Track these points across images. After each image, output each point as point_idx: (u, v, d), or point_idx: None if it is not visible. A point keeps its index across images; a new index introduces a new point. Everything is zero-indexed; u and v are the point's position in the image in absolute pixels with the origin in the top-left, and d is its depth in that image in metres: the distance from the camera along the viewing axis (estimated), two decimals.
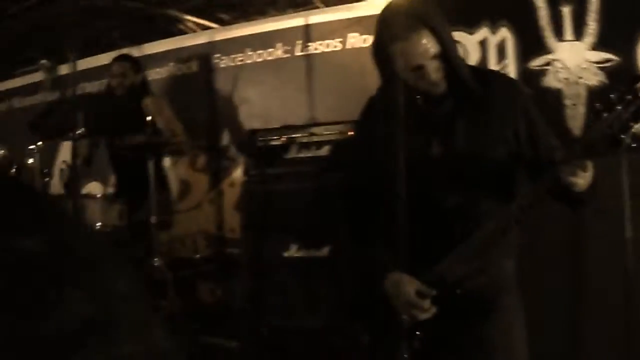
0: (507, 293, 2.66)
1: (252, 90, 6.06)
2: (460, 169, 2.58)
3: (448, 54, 2.52)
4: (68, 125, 4.82)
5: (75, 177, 4.87)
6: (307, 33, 5.70)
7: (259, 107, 5.95)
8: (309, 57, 5.66)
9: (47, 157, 5.81)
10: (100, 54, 6.28)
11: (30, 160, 4.70)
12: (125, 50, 5.94)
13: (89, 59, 6.34)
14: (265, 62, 5.99)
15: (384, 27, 2.58)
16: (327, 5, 5.76)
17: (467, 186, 2.59)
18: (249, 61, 6.07)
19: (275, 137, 4.92)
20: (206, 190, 6.25)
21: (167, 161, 6.09)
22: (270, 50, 5.94)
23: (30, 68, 5.24)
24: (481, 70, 2.98)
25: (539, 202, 2.43)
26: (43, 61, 6.06)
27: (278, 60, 5.91)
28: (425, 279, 2.55)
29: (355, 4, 5.46)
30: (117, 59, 5.56)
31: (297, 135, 4.85)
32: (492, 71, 3.36)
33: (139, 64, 5.62)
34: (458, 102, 2.61)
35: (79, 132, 4.83)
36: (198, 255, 6.18)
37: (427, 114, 2.65)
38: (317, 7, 5.78)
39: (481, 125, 2.58)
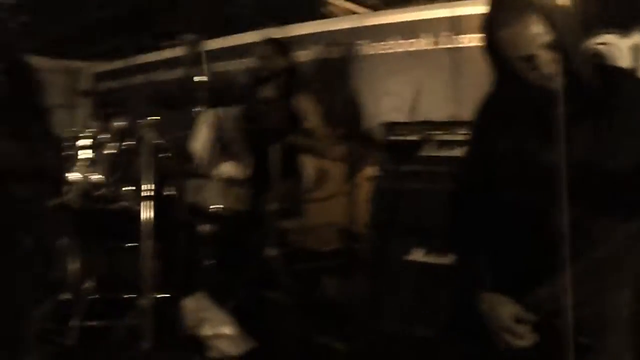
0: (613, 332, 2.46)
1: (394, 81, 6.01)
2: (577, 180, 2.31)
3: (563, 45, 2.34)
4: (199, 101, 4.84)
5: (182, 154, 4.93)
6: (454, 25, 5.58)
7: (400, 99, 5.87)
8: (454, 50, 5.54)
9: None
10: (244, 32, 6.36)
11: (150, 135, 4.79)
12: (271, 31, 6.01)
13: (233, 36, 6.47)
14: (409, 53, 5.93)
15: (493, 10, 2.46)
16: None
17: (583, 200, 2.35)
18: (392, 50, 6.03)
19: (411, 133, 4.86)
20: (342, 181, 6.22)
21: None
22: (414, 40, 5.88)
23: (174, 42, 5.44)
24: (611, 68, 2.67)
25: None
26: (186, 35, 6.26)
27: (422, 52, 5.83)
28: (526, 303, 2.43)
29: None
30: (263, 41, 5.65)
31: (435, 132, 4.76)
32: (624, 70, 2.99)
33: (285, 47, 5.67)
34: (578, 103, 2.38)
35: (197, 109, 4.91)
36: (326, 248, 6.18)
37: (543, 115, 2.40)
38: None
39: (604, 131, 2.39)
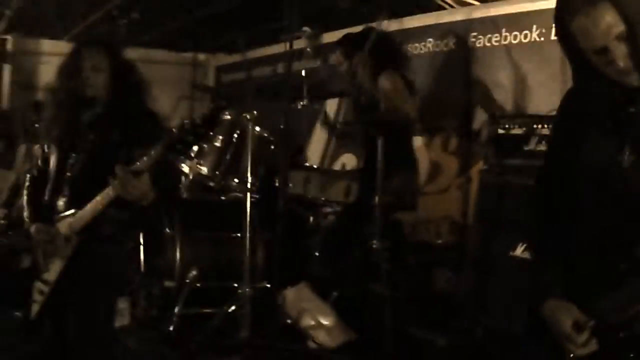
0: None
1: (506, 74, 6.05)
2: None
3: (636, 37, 2.23)
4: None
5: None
6: None
7: (510, 91, 5.94)
8: None
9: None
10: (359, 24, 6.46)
11: (257, 128, 4.97)
12: (383, 24, 6.08)
13: (347, 29, 6.59)
14: (521, 45, 5.94)
15: (561, 4, 2.39)
16: None
17: None
18: (504, 42, 6.07)
19: (517, 126, 4.86)
20: (456, 174, 6.29)
21: (418, 141, 6.21)
22: (525, 32, 5.88)
23: (294, 34, 5.60)
24: None
25: None
26: (305, 29, 6.42)
27: (533, 43, 5.82)
28: (590, 312, 2.35)
29: None
30: (336, 44, 5.88)
31: (541, 125, 4.73)
32: None
33: (352, 51, 5.65)
34: None
35: (302, 103, 5.04)
36: (440, 241, 6.25)
37: (622, 113, 2.38)
38: None
39: None
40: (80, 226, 3.65)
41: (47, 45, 10.16)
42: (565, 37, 2.36)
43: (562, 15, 2.35)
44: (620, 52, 2.23)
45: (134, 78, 3.95)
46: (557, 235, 2.60)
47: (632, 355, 2.31)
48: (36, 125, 7.12)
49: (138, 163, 3.46)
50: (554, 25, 2.44)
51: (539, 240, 2.72)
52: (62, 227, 3.84)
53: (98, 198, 3.65)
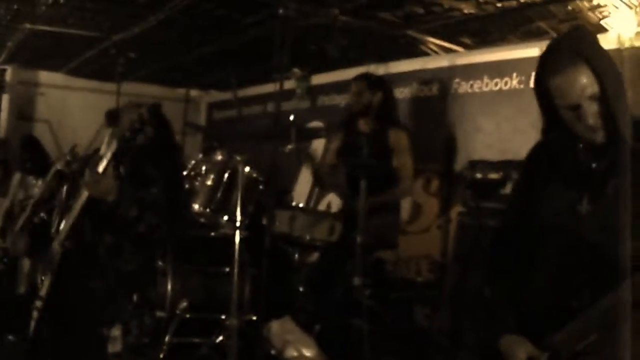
0: None
1: (486, 119, 6.42)
2: (604, 232, 2.52)
3: (607, 98, 2.49)
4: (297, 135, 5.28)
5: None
6: None
7: (491, 136, 6.31)
8: None
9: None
10: (348, 68, 6.79)
11: (247, 169, 5.25)
12: (371, 68, 6.42)
13: (335, 72, 6.93)
14: (501, 91, 6.32)
15: (544, 59, 2.64)
16: None
17: (604, 252, 2.52)
18: (485, 89, 6.45)
19: (494, 171, 5.18)
20: (436, 215, 6.60)
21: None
22: (506, 79, 6.26)
23: (284, 75, 5.91)
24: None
25: None
26: (295, 70, 6.76)
27: (513, 91, 6.20)
28: (543, 347, 2.55)
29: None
30: (355, 78, 6.06)
31: (516, 171, 4.95)
32: None
33: (376, 83, 5.98)
34: (616, 157, 2.54)
35: (289, 146, 5.31)
36: (420, 279, 6.55)
37: (584, 166, 2.65)
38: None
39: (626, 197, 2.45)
40: (65, 235, 4.19)
41: (44, 77, 10.49)
42: (543, 92, 2.60)
43: (542, 72, 2.60)
44: (592, 111, 2.49)
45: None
46: (514, 274, 2.83)
47: None
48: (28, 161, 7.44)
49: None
50: (533, 80, 2.68)
51: (498, 279, 2.92)
52: (55, 244, 4.38)
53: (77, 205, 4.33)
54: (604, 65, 2.57)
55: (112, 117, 5.03)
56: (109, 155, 4.51)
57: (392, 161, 5.86)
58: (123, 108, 5.05)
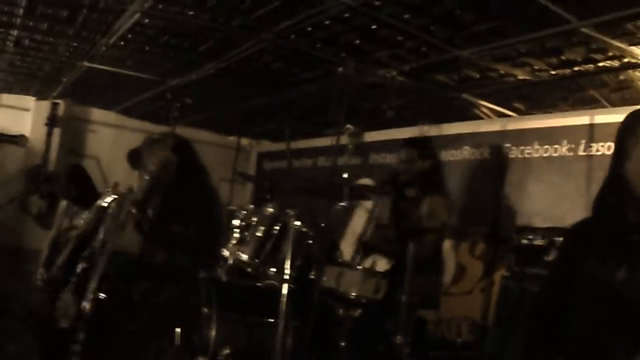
0: None
1: (534, 185, 6.57)
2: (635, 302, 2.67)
3: None
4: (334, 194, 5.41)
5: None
6: (591, 133, 6.06)
7: (538, 202, 6.45)
8: (591, 158, 5.98)
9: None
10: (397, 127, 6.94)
11: (297, 223, 5.42)
12: (424, 129, 6.57)
13: (389, 130, 7.10)
14: (550, 158, 6.47)
15: (628, 120, 2.86)
16: (612, 106, 6.13)
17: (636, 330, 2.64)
18: (535, 155, 6.60)
19: (539, 237, 5.31)
20: (480, 277, 6.71)
21: (447, 243, 6.54)
22: (555, 146, 6.41)
23: (336, 130, 6.07)
24: None
25: None
26: (348, 126, 6.92)
27: (562, 158, 6.35)
28: None
29: None
30: (406, 144, 6.19)
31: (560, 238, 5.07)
32: None
33: (428, 150, 6.12)
34: None
35: (342, 202, 5.43)
36: (460, 340, 6.65)
37: (624, 240, 2.74)
38: (604, 107, 6.16)
39: None
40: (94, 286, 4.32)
41: (97, 114, 10.82)
42: (624, 140, 2.78)
43: (633, 120, 2.82)
44: None
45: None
46: (549, 340, 2.97)
47: None
48: (73, 190, 7.64)
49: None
50: (622, 125, 2.84)
51: (536, 345, 3.05)
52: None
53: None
54: None
55: (135, 158, 5.05)
56: (129, 205, 4.56)
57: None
58: (143, 146, 5.07)
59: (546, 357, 2.98)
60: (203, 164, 5.10)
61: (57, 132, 10.42)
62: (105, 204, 5.03)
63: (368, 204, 6.14)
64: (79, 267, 5.02)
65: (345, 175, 5.31)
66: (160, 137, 4.97)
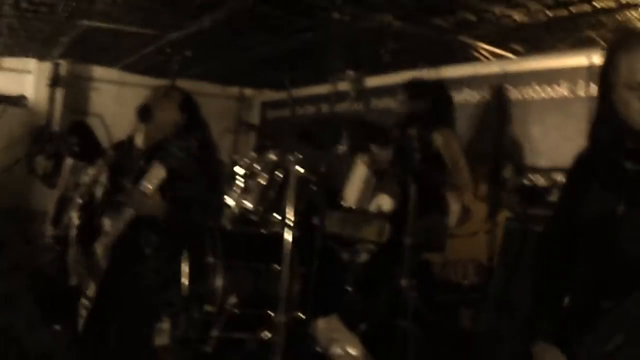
0: None
1: (534, 126, 6.56)
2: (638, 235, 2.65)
3: None
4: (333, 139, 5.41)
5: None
6: (590, 73, 6.00)
7: (539, 144, 6.45)
8: (590, 99, 5.81)
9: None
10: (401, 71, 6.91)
11: (299, 169, 5.42)
12: (422, 73, 6.52)
13: (389, 75, 7.07)
14: (550, 99, 6.45)
15: (618, 41, 2.85)
16: None
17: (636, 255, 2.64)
18: (534, 96, 6.58)
19: (540, 178, 5.30)
20: (484, 219, 6.70)
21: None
22: (555, 87, 6.39)
23: (339, 76, 6.04)
24: None
25: None
26: (349, 72, 6.90)
27: (561, 99, 6.33)
28: (574, 349, 2.68)
29: None
30: (402, 86, 6.14)
31: (563, 179, 5.07)
32: None
33: (421, 91, 6.05)
34: None
35: (341, 147, 5.42)
36: (466, 282, 6.65)
37: (625, 168, 2.72)
38: (602, 48, 5.96)
39: None
40: (109, 243, 4.34)
41: (99, 72, 10.84)
42: (607, 72, 2.76)
43: (615, 51, 2.75)
44: None
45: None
46: (555, 279, 2.98)
47: None
48: (76, 145, 7.62)
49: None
50: (603, 57, 2.82)
51: (540, 284, 3.06)
52: (98, 246, 4.50)
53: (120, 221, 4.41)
54: None
55: (144, 113, 5.02)
56: (158, 174, 4.56)
57: (440, 163, 5.96)
58: (154, 103, 5.08)
59: (553, 295, 2.97)
60: (205, 120, 5.11)
61: (59, 92, 10.50)
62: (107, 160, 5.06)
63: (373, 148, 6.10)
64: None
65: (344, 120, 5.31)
66: (167, 93, 4.98)
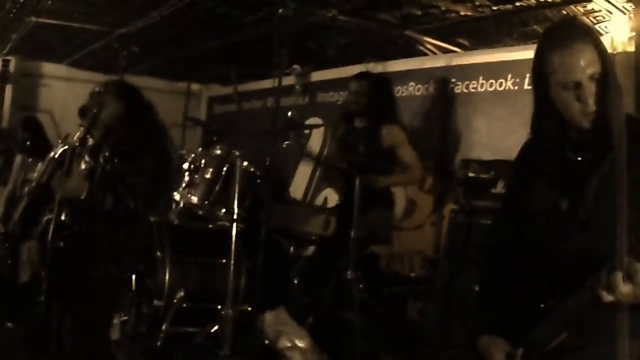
0: None
1: (480, 119, 6.59)
2: (582, 228, 2.62)
3: (607, 82, 2.49)
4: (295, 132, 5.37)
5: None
6: None
7: (484, 136, 6.49)
8: None
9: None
10: (347, 65, 6.92)
11: (245, 163, 5.45)
12: (369, 67, 6.55)
13: (335, 69, 7.09)
14: (495, 92, 6.48)
15: (546, 35, 2.71)
16: None
17: (582, 254, 2.60)
18: (480, 89, 6.61)
19: (485, 170, 5.34)
20: (430, 212, 6.77)
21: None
22: (501, 80, 6.42)
23: (279, 72, 6.03)
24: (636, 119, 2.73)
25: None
26: (295, 67, 6.91)
27: (507, 92, 6.36)
28: (519, 344, 2.66)
29: None
30: (355, 77, 6.13)
31: (507, 171, 5.13)
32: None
33: (375, 82, 6.08)
34: (600, 152, 2.57)
35: (287, 141, 5.42)
36: (413, 274, 6.71)
37: (567, 160, 2.68)
38: None
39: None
40: (52, 233, 4.30)
41: (48, 68, 10.68)
42: (542, 69, 2.60)
43: (545, 47, 2.62)
44: (590, 92, 2.49)
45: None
46: (501, 273, 2.93)
47: None
48: (27, 141, 7.54)
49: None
50: (534, 55, 2.68)
51: (486, 277, 3.04)
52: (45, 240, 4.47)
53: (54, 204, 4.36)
54: (605, 50, 2.58)
55: (85, 114, 4.95)
56: (72, 152, 4.47)
57: (387, 158, 5.99)
58: (90, 100, 4.91)
59: (499, 289, 2.94)
60: (149, 103, 5.00)
61: (9, 88, 10.34)
62: (57, 155, 4.97)
63: (316, 138, 6.13)
64: (45, 219, 5.00)
65: (290, 114, 5.31)
66: (103, 89, 4.90)
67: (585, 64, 2.50)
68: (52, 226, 4.32)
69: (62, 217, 4.47)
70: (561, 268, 2.66)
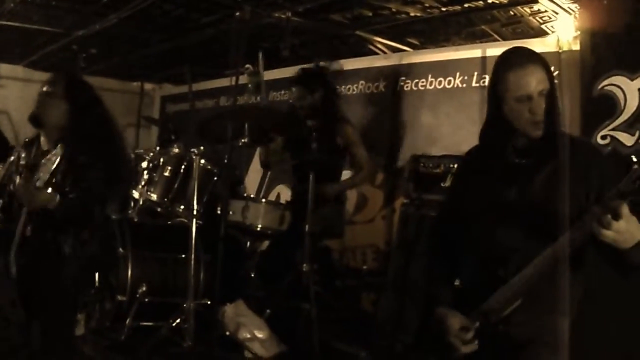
0: (544, 347, 2.90)
1: (429, 116, 6.67)
2: (529, 217, 2.95)
3: (553, 98, 2.95)
4: (232, 133, 5.36)
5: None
6: (484, 65, 6.18)
7: (433, 132, 6.58)
8: (484, 89, 5.98)
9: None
10: (294, 65, 6.92)
11: (202, 161, 5.50)
12: (311, 65, 6.55)
13: (288, 68, 7.12)
14: (444, 90, 6.57)
15: (503, 59, 3.08)
16: (504, 39, 6.25)
17: (528, 236, 2.93)
18: (429, 87, 6.68)
19: (435, 165, 5.45)
20: (381, 206, 6.85)
21: (347, 174, 6.54)
22: (449, 78, 6.51)
23: (234, 72, 6.02)
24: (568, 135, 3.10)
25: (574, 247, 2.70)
26: (248, 66, 6.92)
27: (455, 89, 6.46)
28: (473, 316, 2.91)
29: (531, 39, 5.89)
30: (294, 81, 6.22)
31: (456, 165, 5.28)
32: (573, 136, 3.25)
33: (314, 84, 6.10)
34: (545, 155, 2.98)
35: (243, 140, 5.44)
36: (365, 267, 6.79)
37: (517, 161, 3.05)
38: (496, 40, 6.29)
39: (559, 182, 2.90)
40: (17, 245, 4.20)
41: (4, 69, 10.46)
42: (498, 84, 3.02)
43: (502, 66, 3.04)
44: (539, 105, 2.93)
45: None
46: (449, 258, 3.23)
47: (508, 345, 2.88)
48: None
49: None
50: (491, 73, 3.11)
51: (435, 263, 3.33)
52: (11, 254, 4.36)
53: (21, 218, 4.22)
54: (551, 72, 3.06)
55: (35, 121, 4.77)
56: (49, 166, 4.15)
57: (339, 155, 6.10)
58: (38, 105, 4.56)
59: (445, 276, 3.23)
60: (97, 95, 4.82)
61: None
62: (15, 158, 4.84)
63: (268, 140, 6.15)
64: None
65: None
66: (50, 89, 4.71)
67: (536, 82, 2.94)
68: (16, 239, 4.22)
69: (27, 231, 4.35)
70: (509, 248, 2.94)
